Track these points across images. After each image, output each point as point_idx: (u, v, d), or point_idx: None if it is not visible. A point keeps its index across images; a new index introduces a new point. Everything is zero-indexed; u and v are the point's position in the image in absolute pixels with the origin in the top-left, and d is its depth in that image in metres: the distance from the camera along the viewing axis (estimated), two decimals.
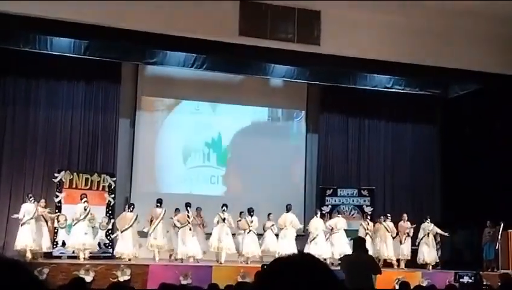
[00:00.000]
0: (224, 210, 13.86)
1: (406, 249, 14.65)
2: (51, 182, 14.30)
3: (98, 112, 15.44)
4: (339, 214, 15.18)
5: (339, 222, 14.69)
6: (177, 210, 13.68)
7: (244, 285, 7.13)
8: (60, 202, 13.88)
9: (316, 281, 1.35)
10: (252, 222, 13.87)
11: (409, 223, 14.84)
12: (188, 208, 13.61)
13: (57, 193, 13.96)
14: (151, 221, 13.50)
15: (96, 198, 14.08)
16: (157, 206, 13.67)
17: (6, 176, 14.44)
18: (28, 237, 12.53)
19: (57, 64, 14.29)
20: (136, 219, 13.50)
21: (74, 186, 14.21)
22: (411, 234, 14.75)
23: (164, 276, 11.06)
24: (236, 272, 12.26)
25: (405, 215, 15.01)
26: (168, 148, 16.21)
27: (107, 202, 14.39)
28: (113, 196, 14.57)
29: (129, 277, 11.94)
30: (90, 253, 13.18)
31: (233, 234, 13.96)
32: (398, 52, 13.73)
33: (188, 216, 13.52)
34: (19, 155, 14.67)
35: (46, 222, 13.04)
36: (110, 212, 14.26)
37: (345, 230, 14.68)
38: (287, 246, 13.54)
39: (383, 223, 14.78)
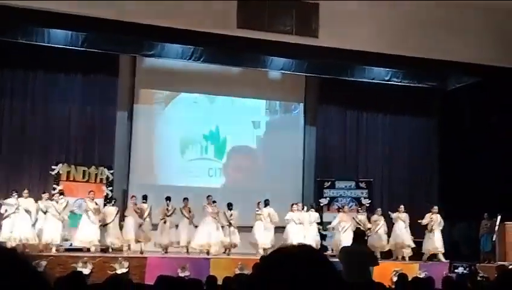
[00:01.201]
0: (214, 205, 13.95)
1: (437, 241, 14.47)
2: (48, 174, 14.29)
3: (96, 105, 15.42)
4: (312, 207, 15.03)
5: (311, 215, 14.68)
6: (185, 199, 13.82)
7: (242, 277, 7.15)
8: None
9: (314, 273, 1.36)
10: (231, 215, 14.01)
11: (438, 215, 14.59)
12: (168, 201, 13.79)
13: (55, 186, 13.95)
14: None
15: (93, 190, 14.07)
16: (143, 202, 13.81)
17: (4, 169, 14.44)
18: (8, 231, 12.55)
19: (55, 57, 14.25)
20: (117, 213, 13.74)
21: (72, 178, 14.24)
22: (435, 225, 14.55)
23: (162, 268, 11.08)
24: (234, 264, 12.28)
25: (435, 207, 14.73)
26: (166, 141, 16.20)
27: (104, 194, 14.40)
28: (110, 188, 14.59)
29: (127, 269, 11.99)
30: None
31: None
32: (396, 44, 13.71)
33: (167, 209, 13.73)
34: (17, 148, 14.66)
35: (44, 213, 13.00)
36: (107, 205, 14.25)
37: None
38: (267, 239, 13.84)
39: (355, 218, 14.76)
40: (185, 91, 16.43)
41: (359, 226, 14.15)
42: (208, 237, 13.51)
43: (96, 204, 13.59)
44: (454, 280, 7.72)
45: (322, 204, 15.54)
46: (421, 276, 11.26)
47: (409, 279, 7.22)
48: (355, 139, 17.41)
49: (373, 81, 15.75)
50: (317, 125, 17.26)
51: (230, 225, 13.96)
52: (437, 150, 17.53)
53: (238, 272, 11.10)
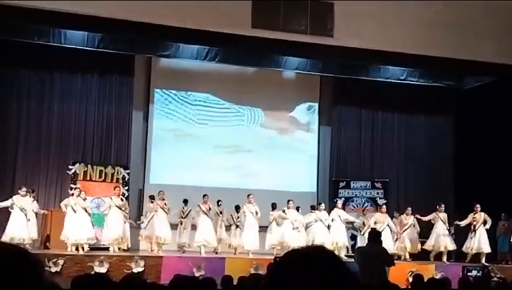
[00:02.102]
0: (219, 205, 14.13)
1: (482, 241, 14.08)
2: (65, 174, 14.40)
3: (112, 105, 15.52)
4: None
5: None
6: (205, 196, 13.94)
7: (257, 277, 7.15)
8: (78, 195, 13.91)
9: (329, 274, 1.36)
10: (238, 218, 14.13)
11: (482, 213, 14.19)
12: (184, 204, 14.03)
13: (72, 185, 14.03)
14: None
15: (110, 190, 14.13)
16: (151, 202, 13.87)
17: (22, 168, 14.57)
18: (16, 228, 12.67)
19: (71, 57, 14.39)
20: None
21: (88, 178, 14.30)
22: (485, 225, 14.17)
23: (178, 268, 11.12)
24: (249, 264, 12.30)
25: (478, 206, 14.24)
26: (181, 141, 16.24)
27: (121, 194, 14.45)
28: (126, 188, 14.64)
29: (143, 269, 12.03)
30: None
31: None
32: (412, 43, 13.63)
33: (183, 212, 13.96)
34: (34, 147, 14.80)
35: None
36: None
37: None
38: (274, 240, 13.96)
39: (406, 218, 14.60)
40: (200, 91, 16.44)
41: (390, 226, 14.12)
42: (254, 237, 13.76)
43: (122, 200, 13.61)
44: (471, 281, 7.67)
45: (321, 208, 15.40)
46: (437, 277, 11.20)
47: (425, 280, 7.18)
48: (370, 139, 17.35)
49: (388, 80, 15.67)
50: (332, 125, 17.22)
51: (237, 226, 14.09)
52: (453, 149, 17.41)
53: (253, 271, 11.11)
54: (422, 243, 14.55)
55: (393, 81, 15.67)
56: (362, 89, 16.48)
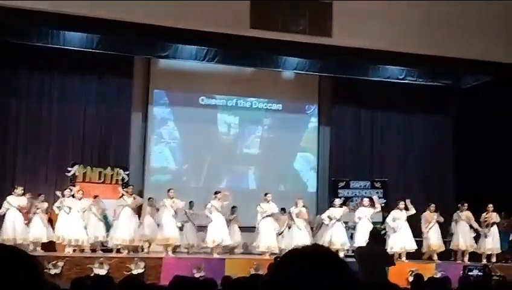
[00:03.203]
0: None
1: (493, 241, 14.02)
2: (64, 176, 14.39)
3: (111, 106, 15.52)
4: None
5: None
6: (217, 193, 13.72)
7: (258, 277, 7.14)
8: (73, 195, 13.89)
9: (330, 273, 1.35)
10: (233, 218, 14.12)
11: (494, 213, 14.05)
12: (188, 205, 13.89)
13: (71, 187, 13.99)
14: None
15: (109, 192, 14.14)
16: (150, 204, 13.85)
17: (21, 170, 14.56)
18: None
19: (70, 59, 14.38)
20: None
21: (88, 180, 14.30)
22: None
23: (177, 269, 11.10)
24: (249, 265, 12.28)
25: (490, 205, 14.05)
26: (181, 142, 16.24)
27: (120, 195, 14.41)
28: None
29: (143, 270, 12.01)
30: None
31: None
32: (410, 43, 13.64)
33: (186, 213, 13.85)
34: (33, 149, 14.79)
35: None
36: None
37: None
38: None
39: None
40: (199, 92, 16.42)
41: None
42: (271, 237, 13.57)
43: (135, 199, 13.32)
44: (471, 280, 7.67)
45: (336, 205, 15.40)
46: (437, 276, 11.20)
47: (425, 279, 7.18)
48: (369, 139, 17.34)
49: (387, 80, 15.68)
50: (331, 125, 17.21)
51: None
52: (452, 148, 17.40)
53: (253, 272, 11.10)
54: (445, 243, 14.31)
55: (392, 80, 15.68)
56: (361, 89, 16.47)
